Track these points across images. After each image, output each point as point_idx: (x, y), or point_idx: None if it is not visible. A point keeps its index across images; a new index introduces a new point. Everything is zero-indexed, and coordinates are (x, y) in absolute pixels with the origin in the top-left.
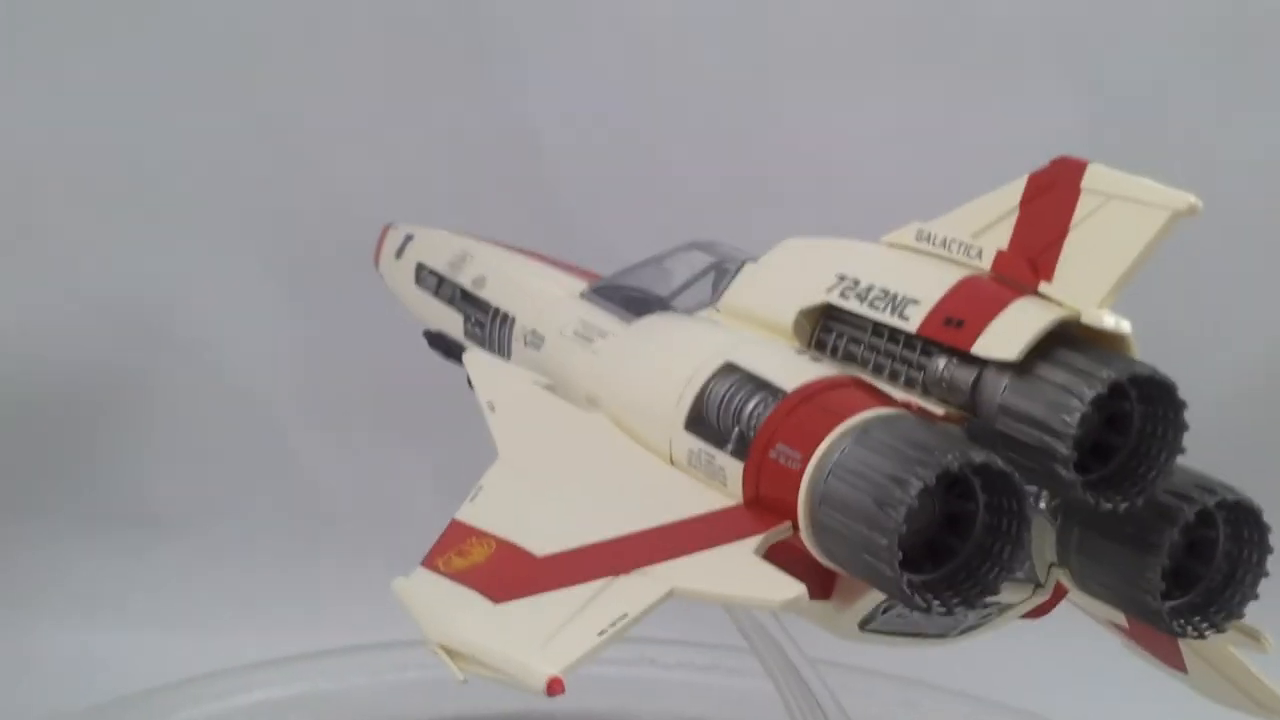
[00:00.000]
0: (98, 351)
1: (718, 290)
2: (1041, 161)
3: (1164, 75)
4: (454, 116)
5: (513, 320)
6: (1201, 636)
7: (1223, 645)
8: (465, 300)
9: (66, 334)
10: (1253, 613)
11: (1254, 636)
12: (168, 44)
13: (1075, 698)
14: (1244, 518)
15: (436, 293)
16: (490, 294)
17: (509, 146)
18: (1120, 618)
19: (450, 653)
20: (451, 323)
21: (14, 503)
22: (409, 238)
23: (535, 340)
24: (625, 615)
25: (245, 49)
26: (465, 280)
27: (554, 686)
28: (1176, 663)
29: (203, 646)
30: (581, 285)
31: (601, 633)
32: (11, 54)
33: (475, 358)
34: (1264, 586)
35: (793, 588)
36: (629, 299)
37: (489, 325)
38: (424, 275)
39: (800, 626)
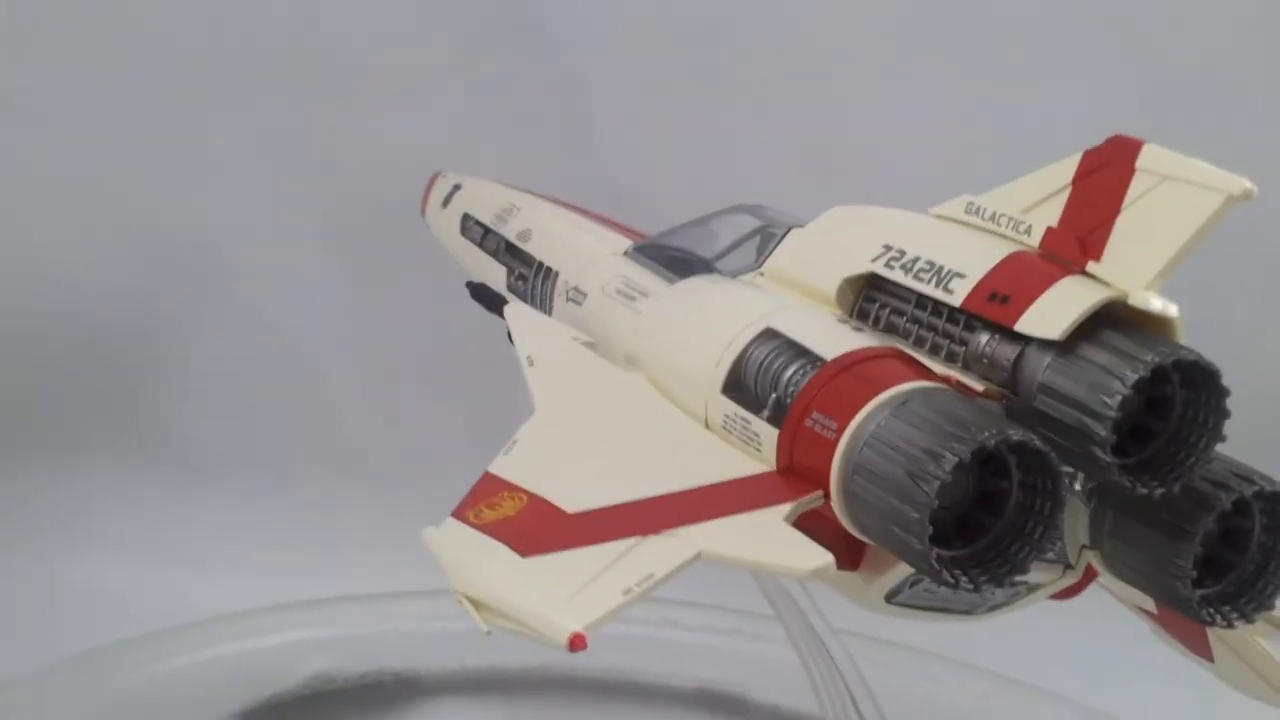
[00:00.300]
0: (143, 291)
1: (762, 255)
2: (1090, 142)
3: (1215, 55)
4: (505, 69)
5: (556, 275)
6: (1230, 626)
7: (1250, 636)
8: (509, 253)
9: (113, 271)
10: None
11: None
12: None
13: (1096, 680)
14: None
15: (481, 244)
16: (535, 248)
17: (561, 101)
18: (1149, 603)
19: (475, 604)
20: (495, 275)
21: (53, 437)
22: (456, 187)
23: (577, 296)
24: (651, 575)
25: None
26: (510, 233)
27: (576, 642)
28: (1203, 651)
29: (233, 587)
30: (626, 243)
31: (627, 591)
32: None
33: (516, 311)
34: None
35: (820, 556)
36: (673, 259)
37: (532, 279)
38: (470, 226)
39: (825, 595)
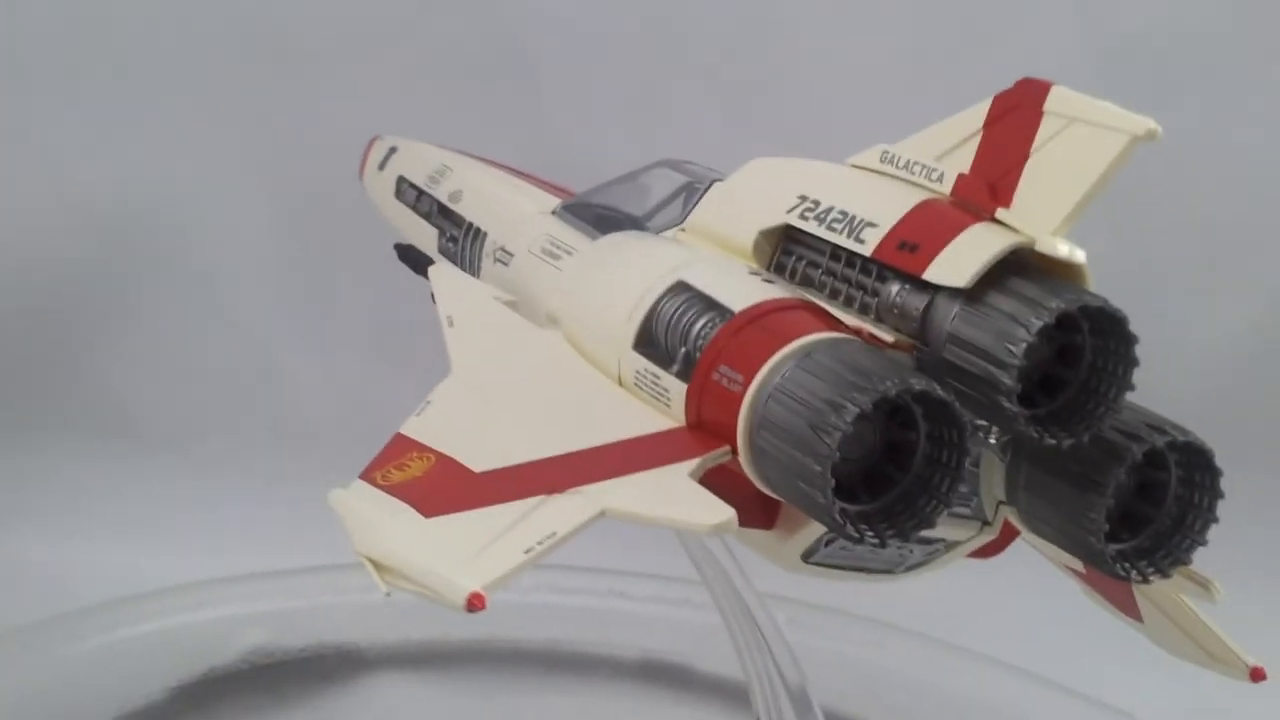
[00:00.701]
0: (85, 260)
1: (686, 209)
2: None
3: (1177, 12)
4: (448, 29)
5: (484, 235)
6: (1145, 580)
7: (1176, 595)
8: (441, 214)
9: (52, 240)
10: (1206, 562)
11: (1204, 585)
12: None
13: (1042, 644)
14: (1196, 460)
15: (414, 206)
16: (464, 208)
17: (502, 59)
18: (1077, 563)
19: (377, 565)
20: (428, 237)
21: None
22: (393, 150)
23: (504, 257)
24: (554, 534)
25: None
26: (442, 194)
27: (474, 602)
28: (1132, 611)
29: (178, 561)
30: (556, 203)
31: (528, 550)
32: None
33: (439, 271)
34: (1214, 533)
35: (722, 512)
36: (600, 217)
37: (462, 240)
38: (404, 189)
39: (759, 562)
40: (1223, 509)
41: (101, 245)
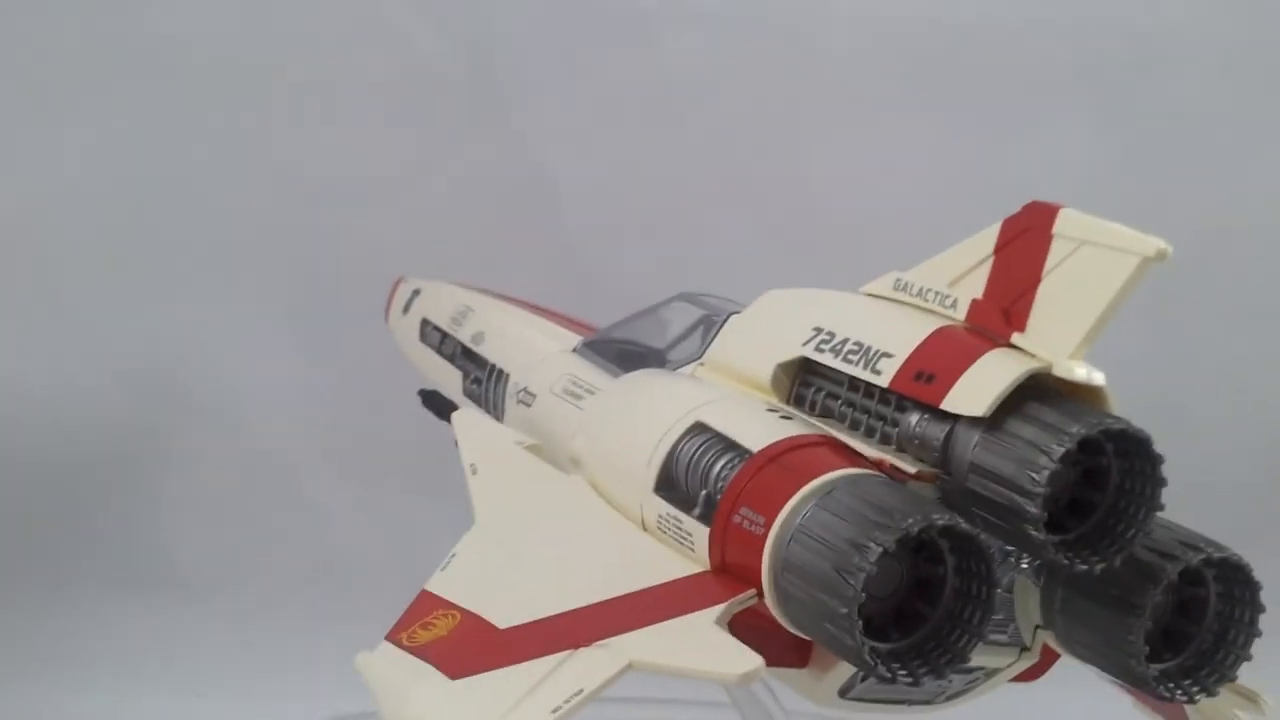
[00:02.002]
0: (118, 415)
1: (704, 344)
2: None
3: (1193, 105)
4: (472, 166)
5: (507, 377)
6: (1191, 701)
7: (1225, 708)
8: (465, 357)
9: (87, 398)
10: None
11: (1251, 699)
12: (182, 102)
13: None
14: (1233, 575)
15: (439, 349)
16: (487, 350)
17: (528, 195)
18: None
19: None
20: (453, 380)
21: (39, 568)
22: (416, 292)
23: (527, 398)
24: (580, 691)
25: (261, 105)
26: (465, 336)
27: None
28: None
29: (227, 710)
30: (577, 339)
31: (555, 710)
32: (27, 112)
33: (462, 417)
34: (1258, 646)
35: (749, 661)
36: (622, 353)
37: (485, 382)
38: (428, 331)
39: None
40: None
41: (134, 401)
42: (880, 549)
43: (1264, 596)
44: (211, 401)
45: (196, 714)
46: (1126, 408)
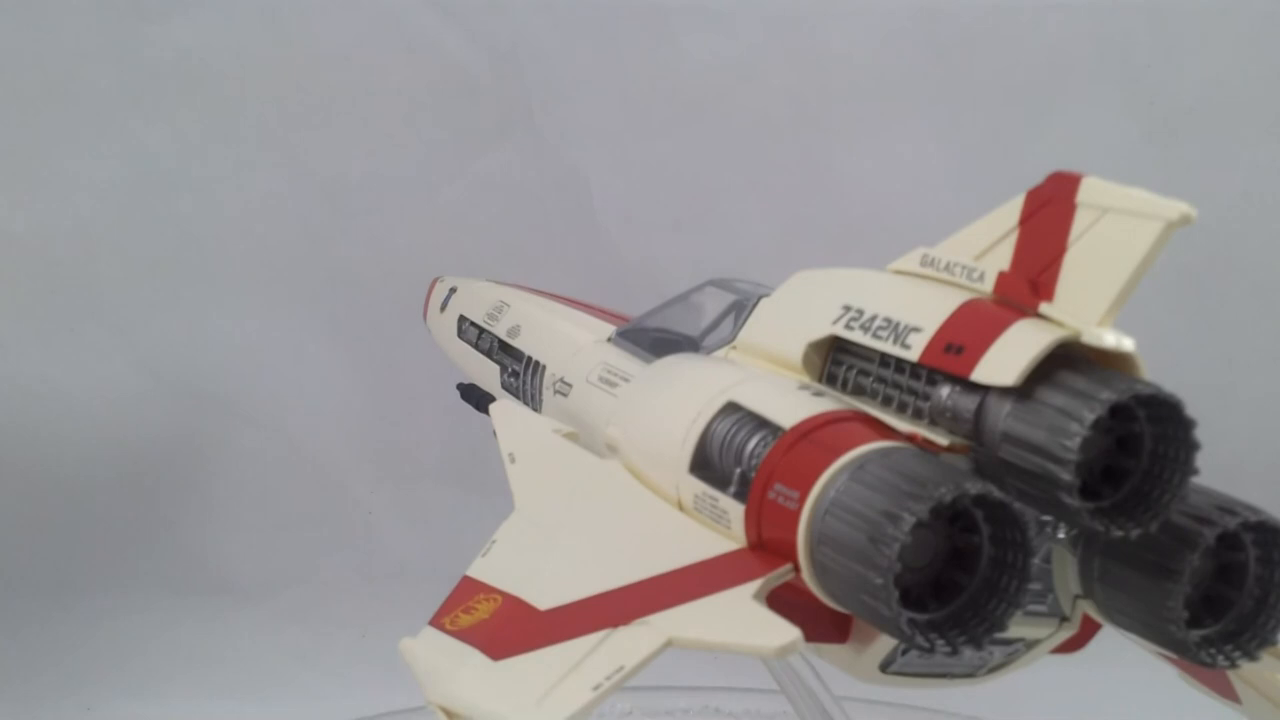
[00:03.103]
0: (164, 421)
1: (736, 328)
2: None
3: (1216, 89)
4: (505, 168)
5: (544, 369)
6: (1233, 665)
7: (1271, 674)
8: (502, 350)
9: (132, 405)
10: None
11: None
12: (218, 112)
13: None
14: (1272, 539)
15: (476, 344)
16: (523, 343)
17: (559, 195)
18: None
19: (449, 714)
20: (491, 375)
21: (89, 576)
22: (452, 290)
23: (563, 388)
24: (622, 668)
25: (295, 114)
26: (501, 331)
27: None
28: (1228, 693)
29: (279, 714)
30: (612, 330)
31: (596, 687)
32: (67, 127)
33: (500, 408)
34: None
35: (787, 634)
36: (656, 341)
37: (523, 375)
38: (465, 328)
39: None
40: None
41: (177, 405)
42: (914, 518)
43: None
44: (254, 407)
45: (245, 716)
46: (1160, 376)
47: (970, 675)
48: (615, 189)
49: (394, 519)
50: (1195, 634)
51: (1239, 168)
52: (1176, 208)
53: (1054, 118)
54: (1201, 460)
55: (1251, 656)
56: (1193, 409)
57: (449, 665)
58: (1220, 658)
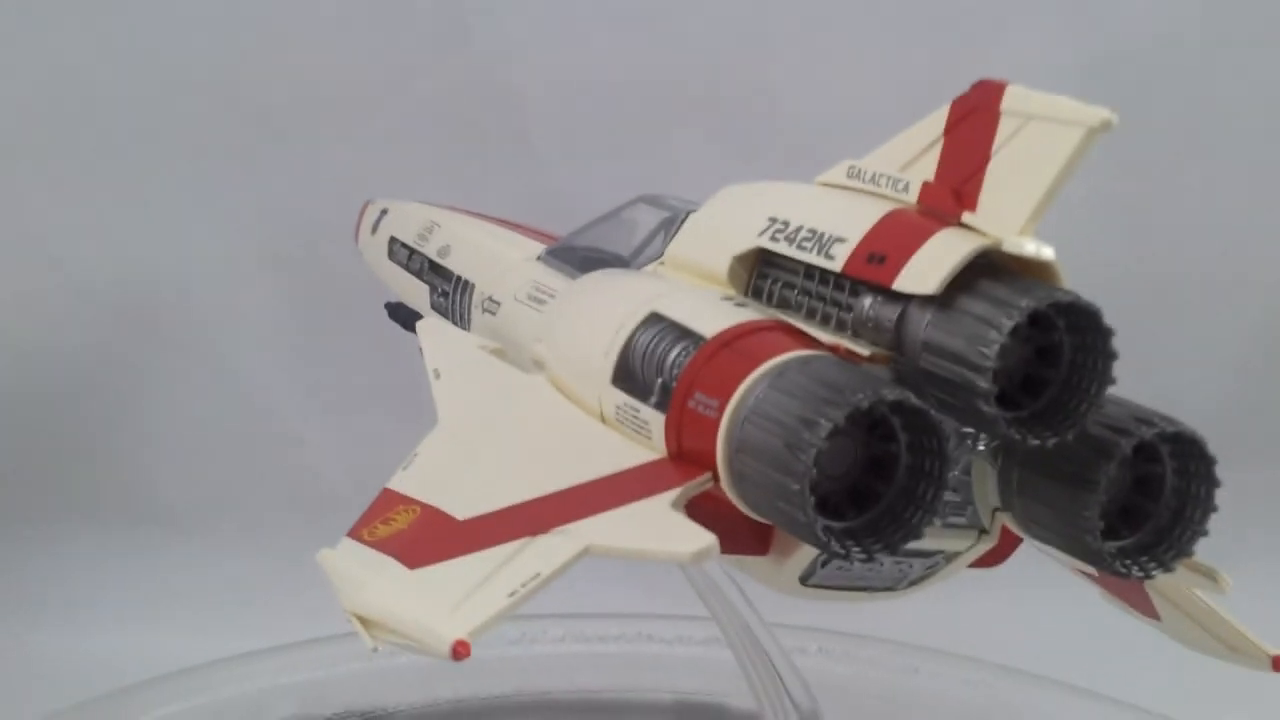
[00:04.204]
0: (92, 344)
1: (665, 243)
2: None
3: (1165, 13)
4: (437, 87)
5: (473, 287)
6: (1148, 576)
7: (1188, 590)
8: (432, 271)
9: (59, 326)
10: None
11: (1211, 576)
12: (152, 28)
13: (1087, 658)
14: (1189, 450)
15: (407, 265)
16: (453, 262)
17: (496, 117)
18: (1084, 564)
19: (365, 622)
20: (421, 295)
21: (15, 505)
22: (384, 212)
23: (492, 306)
24: (538, 575)
25: (225, 34)
26: (431, 251)
27: (459, 650)
28: (1148, 610)
29: (207, 642)
30: (542, 248)
31: (512, 594)
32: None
33: (427, 325)
34: (1232, 527)
35: (702, 539)
36: (585, 259)
37: (452, 294)
38: (395, 249)
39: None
40: (1238, 500)
41: (104, 327)
42: (831, 424)
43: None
44: (183, 332)
45: (169, 645)
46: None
47: (891, 589)
48: (552, 110)
49: (325, 447)
50: (1111, 545)
51: (1177, 96)
52: (1097, 113)
53: (1000, 42)
54: (1121, 378)
55: (1166, 567)
56: (1112, 321)
57: (365, 574)
58: (1135, 569)
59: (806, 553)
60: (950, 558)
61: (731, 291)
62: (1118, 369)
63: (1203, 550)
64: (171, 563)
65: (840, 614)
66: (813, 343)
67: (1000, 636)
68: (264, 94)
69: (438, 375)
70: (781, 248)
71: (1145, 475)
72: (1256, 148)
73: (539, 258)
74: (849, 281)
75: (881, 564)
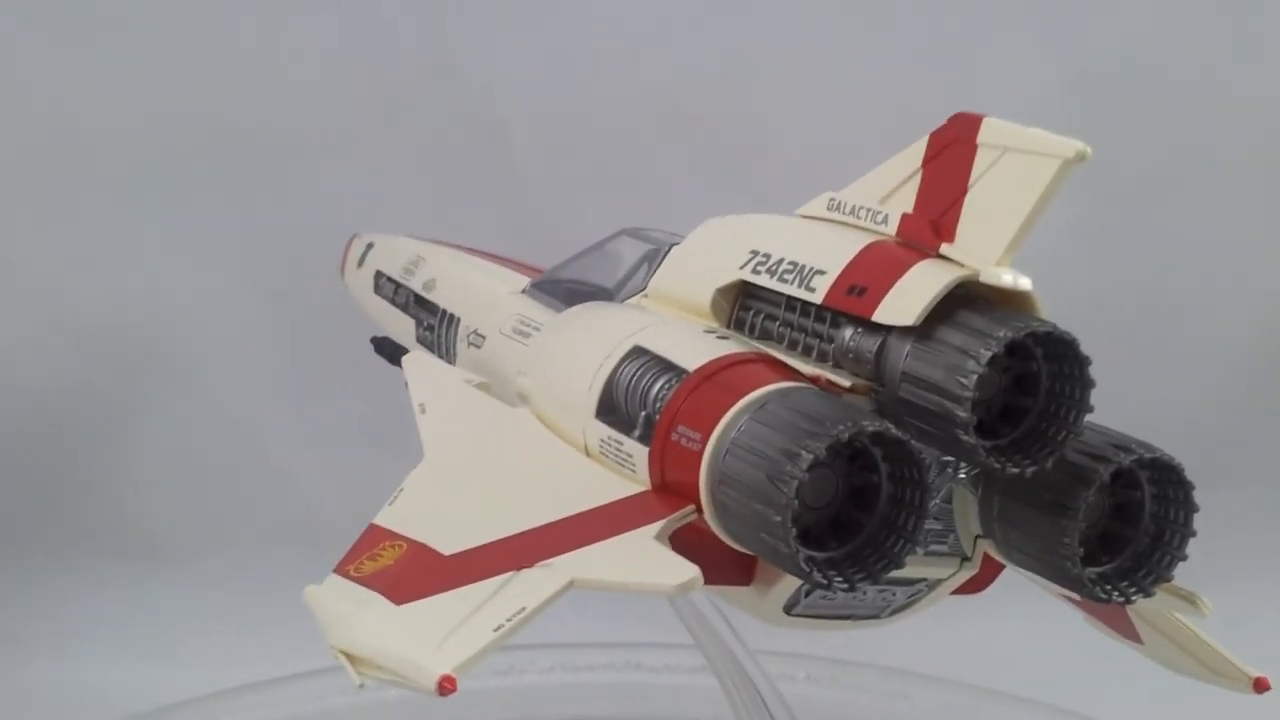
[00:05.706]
0: (81, 379)
1: (649, 276)
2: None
3: (1144, 31)
4: (423, 120)
5: (458, 321)
6: (1128, 601)
7: (1169, 613)
8: (417, 304)
9: (49, 361)
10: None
11: (1191, 600)
12: (139, 63)
13: (1073, 681)
14: (1166, 476)
15: (393, 299)
16: (438, 296)
17: (479, 147)
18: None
19: (351, 658)
20: (407, 329)
21: (3, 535)
22: (370, 245)
23: (477, 340)
24: (523, 609)
25: (215, 64)
26: (417, 285)
27: (445, 685)
28: (1130, 634)
29: (198, 675)
30: (527, 281)
31: (498, 628)
32: None
33: (412, 360)
34: (1194, 547)
35: (686, 571)
36: (570, 292)
37: (438, 328)
38: (381, 283)
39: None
40: (1217, 523)
41: (93, 361)
42: (812, 456)
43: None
44: (172, 366)
45: (162, 678)
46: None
47: (874, 617)
48: (537, 142)
49: (314, 479)
50: (1091, 570)
51: (1159, 120)
52: (1072, 145)
53: (982, 54)
54: (1101, 405)
55: (1146, 592)
56: (1089, 349)
57: (351, 610)
58: (1115, 594)
59: (790, 583)
60: (933, 585)
61: (714, 324)
62: (1095, 396)
63: (1182, 573)
64: (161, 596)
65: (827, 640)
66: (794, 374)
67: (986, 661)
68: (251, 128)
69: (423, 410)
70: (763, 280)
71: (1124, 501)
72: (1233, 175)
73: (524, 291)
74: (830, 313)
75: (865, 593)
